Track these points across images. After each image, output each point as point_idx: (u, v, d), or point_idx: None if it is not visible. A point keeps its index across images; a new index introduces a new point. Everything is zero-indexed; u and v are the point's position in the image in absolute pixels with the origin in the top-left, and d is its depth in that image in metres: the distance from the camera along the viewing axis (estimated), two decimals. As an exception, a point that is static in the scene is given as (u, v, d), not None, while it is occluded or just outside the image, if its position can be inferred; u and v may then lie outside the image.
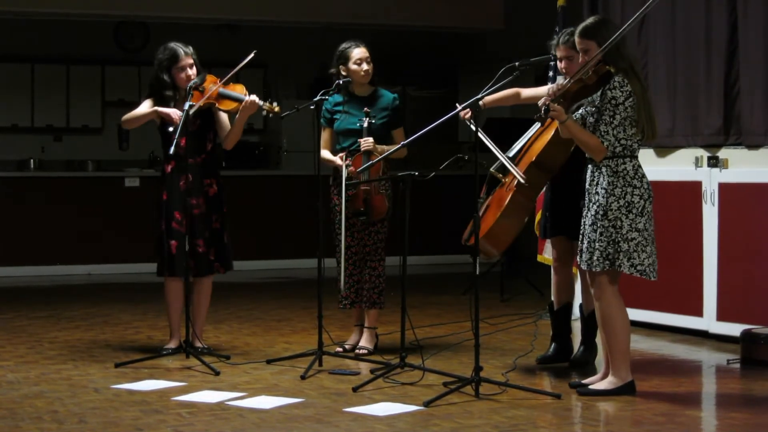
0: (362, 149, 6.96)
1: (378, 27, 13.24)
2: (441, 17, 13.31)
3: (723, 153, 7.84)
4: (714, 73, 7.93)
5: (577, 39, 5.94)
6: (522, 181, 6.39)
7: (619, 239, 5.81)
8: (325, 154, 7.13)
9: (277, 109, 6.88)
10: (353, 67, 7.12)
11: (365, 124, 7.01)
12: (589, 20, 6.03)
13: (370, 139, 6.99)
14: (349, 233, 7.09)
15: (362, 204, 7.00)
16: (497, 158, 6.70)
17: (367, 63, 7.14)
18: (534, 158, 6.47)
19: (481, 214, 6.56)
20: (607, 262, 5.84)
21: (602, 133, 5.83)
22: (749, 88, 7.69)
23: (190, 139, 6.91)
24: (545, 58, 6.52)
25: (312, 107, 6.83)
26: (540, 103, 5.91)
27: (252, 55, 6.90)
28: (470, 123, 6.50)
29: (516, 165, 6.54)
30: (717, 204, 7.78)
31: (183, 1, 12.51)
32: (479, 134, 6.53)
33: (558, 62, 6.58)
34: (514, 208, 6.43)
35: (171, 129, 6.89)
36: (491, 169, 6.69)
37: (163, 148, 7.12)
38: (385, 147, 7.01)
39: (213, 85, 6.98)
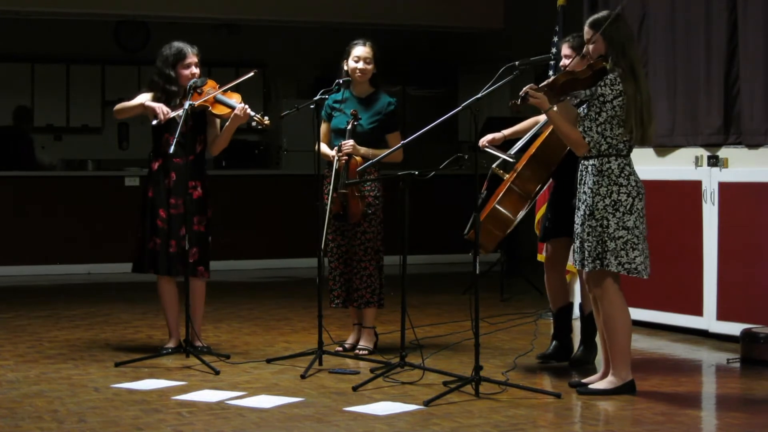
0: (343, 151, 6.96)
1: (378, 27, 13.23)
2: (441, 17, 13.32)
3: (723, 152, 7.84)
4: (714, 73, 7.93)
5: (585, 29, 5.93)
6: (510, 160, 6.40)
7: (606, 238, 5.80)
8: (324, 148, 7.13)
9: (267, 122, 6.92)
10: (351, 63, 7.12)
11: (349, 126, 7.00)
12: (602, 12, 6.01)
13: (350, 142, 6.98)
14: (339, 234, 7.12)
15: (340, 208, 7.01)
16: (498, 157, 6.72)
17: (365, 63, 7.12)
18: (533, 151, 6.49)
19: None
20: (597, 261, 5.83)
21: (585, 129, 5.82)
22: (749, 88, 7.69)
23: (180, 139, 6.92)
24: (545, 58, 6.53)
25: (312, 107, 6.83)
26: (522, 91, 5.90)
27: (252, 73, 6.97)
28: (490, 149, 6.58)
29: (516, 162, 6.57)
30: (717, 203, 7.78)
31: (183, 1, 12.52)
32: (487, 149, 6.60)
33: (564, 59, 6.59)
34: (508, 202, 6.43)
35: (154, 123, 6.90)
36: (493, 166, 6.70)
37: (154, 143, 7.11)
38: (370, 150, 7.00)
39: (212, 89, 7.02)
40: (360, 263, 7.11)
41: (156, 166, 7.07)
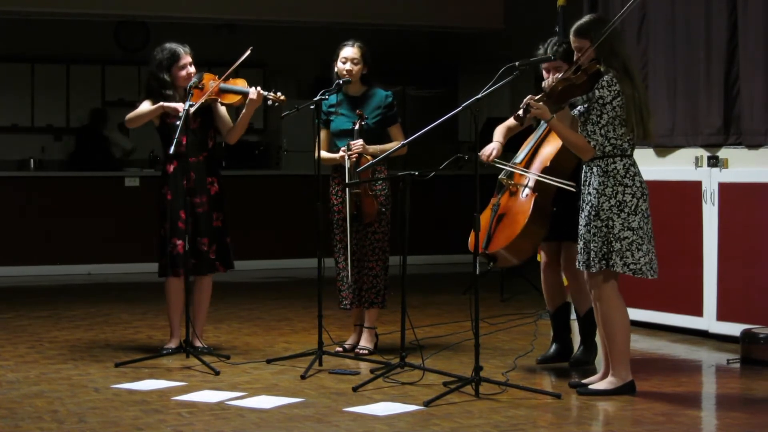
0: (352, 151, 6.95)
1: (378, 27, 13.24)
2: (441, 17, 13.32)
3: (723, 153, 7.84)
4: (714, 73, 7.93)
5: (571, 37, 5.95)
6: (571, 189, 6.33)
7: (612, 239, 5.81)
8: (324, 153, 7.14)
9: (283, 98, 6.90)
10: (339, 65, 7.14)
11: (356, 127, 7.00)
12: (584, 18, 6.03)
13: (360, 142, 6.98)
14: (346, 235, 7.10)
15: (354, 208, 7.01)
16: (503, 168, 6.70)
17: (353, 63, 7.12)
18: (548, 164, 6.48)
19: (494, 222, 6.53)
20: (603, 262, 5.84)
21: (589, 133, 5.83)
22: (749, 88, 7.68)
23: (191, 138, 6.93)
24: (545, 58, 6.52)
25: (312, 107, 6.83)
26: (522, 103, 5.90)
27: (249, 51, 6.90)
28: (499, 164, 6.56)
29: (526, 170, 6.55)
30: (717, 204, 7.78)
31: (183, 1, 12.52)
32: (497, 164, 6.58)
33: (544, 73, 6.55)
34: (537, 217, 6.42)
35: (178, 123, 6.85)
36: (500, 177, 6.68)
37: (163, 148, 7.12)
38: (378, 147, 7.00)
39: (212, 81, 6.99)
40: (367, 263, 7.11)
41: (171, 168, 7.05)
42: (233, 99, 6.97)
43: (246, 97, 6.94)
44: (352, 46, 7.15)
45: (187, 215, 6.93)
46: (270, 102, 6.90)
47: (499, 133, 6.75)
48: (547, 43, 6.65)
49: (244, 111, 7.00)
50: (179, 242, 6.96)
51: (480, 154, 6.51)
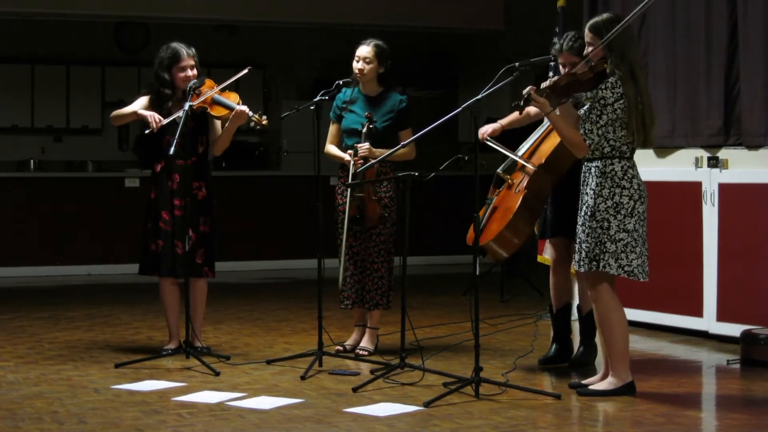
0: (359, 155, 6.96)
1: (378, 27, 13.22)
2: (441, 17, 13.32)
3: (723, 153, 7.84)
4: (714, 73, 7.93)
5: (585, 32, 5.94)
6: (543, 166, 6.39)
7: (606, 240, 5.81)
8: (332, 149, 7.15)
9: (264, 122, 6.92)
10: (353, 63, 7.14)
11: (364, 129, 7.00)
12: (602, 16, 6.01)
13: (366, 145, 6.98)
14: (352, 235, 7.10)
15: (356, 211, 7.01)
16: (500, 159, 6.72)
17: (365, 62, 7.13)
18: (543, 160, 6.49)
19: (487, 214, 6.56)
20: (594, 263, 5.83)
21: (586, 131, 5.83)
22: (749, 89, 7.69)
23: (181, 141, 6.92)
24: (545, 59, 6.52)
25: (312, 107, 6.83)
26: (524, 91, 5.91)
27: (246, 71, 6.96)
28: (489, 142, 6.60)
29: (511, 151, 6.59)
30: (717, 204, 7.78)
31: (183, 2, 12.52)
32: (489, 142, 6.62)
33: (561, 68, 6.58)
34: (525, 211, 6.43)
35: (147, 131, 6.94)
36: (498, 170, 6.70)
37: (153, 147, 7.13)
38: (384, 151, 6.99)
39: (209, 90, 7.01)
40: (372, 265, 7.10)
41: (159, 168, 7.07)
42: (221, 112, 7.01)
43: (232, 111, 6.96)
44: (367, 45, 7.16)
45: (170, 216, 6.96)
46: (252, 124, 6.94)
47: (505, 118, 6.81)
48: (564, 38, 6.64)
49: (227, 125, 7.03)
50: (160, 242, 6.98)
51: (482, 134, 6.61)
